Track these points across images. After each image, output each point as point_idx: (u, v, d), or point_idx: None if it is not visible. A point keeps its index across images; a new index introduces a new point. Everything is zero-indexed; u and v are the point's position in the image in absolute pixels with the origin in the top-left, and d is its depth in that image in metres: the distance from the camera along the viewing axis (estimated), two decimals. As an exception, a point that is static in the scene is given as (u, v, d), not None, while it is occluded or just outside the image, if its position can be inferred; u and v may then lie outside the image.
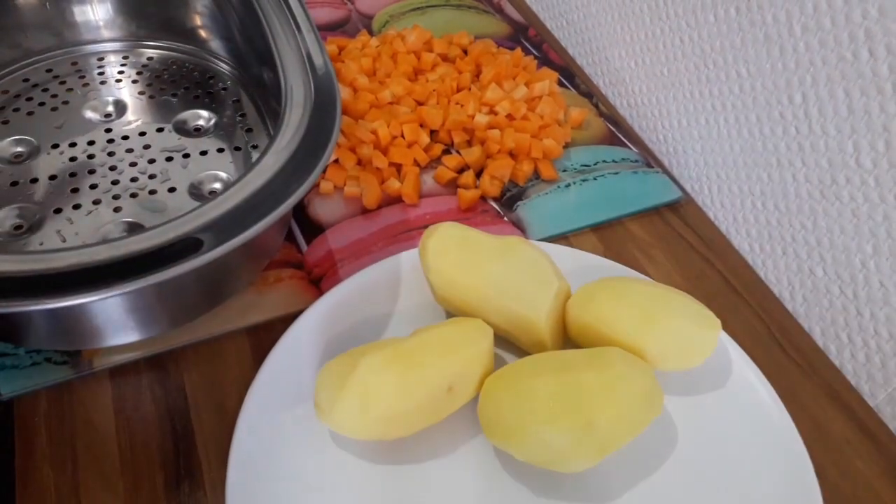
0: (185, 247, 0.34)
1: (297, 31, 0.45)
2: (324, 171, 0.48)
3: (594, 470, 0.35)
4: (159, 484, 0.35)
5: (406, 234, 0.47)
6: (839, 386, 0.43)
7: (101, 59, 0.54)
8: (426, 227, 0.40)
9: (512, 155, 0.52)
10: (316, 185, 0.49)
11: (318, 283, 0.44)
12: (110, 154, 0.48)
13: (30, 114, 0.50)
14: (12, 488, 0.35)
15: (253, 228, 0.35)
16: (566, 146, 0.54)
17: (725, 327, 0.39)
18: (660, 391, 0.35)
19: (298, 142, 0.39)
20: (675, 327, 0.37)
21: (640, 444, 0.35)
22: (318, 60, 0.43)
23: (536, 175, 0.52)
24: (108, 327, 0.37)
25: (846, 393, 0.42)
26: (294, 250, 0.46)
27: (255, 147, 0.49)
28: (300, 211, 0.48)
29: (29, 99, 0.51)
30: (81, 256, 0.33)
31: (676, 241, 0.49)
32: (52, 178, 0.46)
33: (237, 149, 0.49)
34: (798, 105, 0.43)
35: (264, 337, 0.41)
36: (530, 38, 0.65)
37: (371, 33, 0.64)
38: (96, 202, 0.45)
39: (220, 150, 0.49)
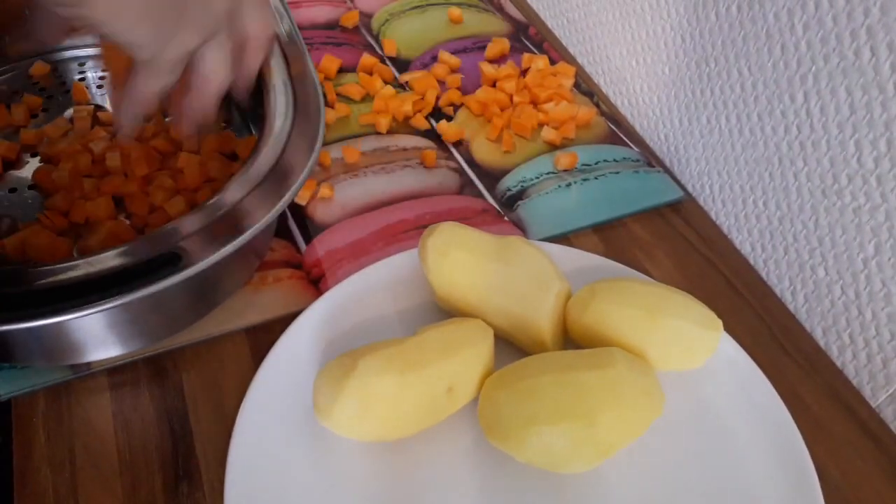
0: (165, 261, 0.34)
1: (279, 36, 0.44)
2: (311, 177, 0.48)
3: (595, 471, 0.35)
4: (158, 485, 0.35)
5: (405, 234, 0.47)
6: (840, 386, 0.42)
7: (82, 64, 0.54)
8: (426, 226, 0.40)
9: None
10: (313, 187, 0.49)
11: (317, 283, 0.44)
12: (91, 163, 0.47)
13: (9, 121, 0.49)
14: (10, 488, 0.35)
15: (233, 243, 0.35)
16: (567, 145, 0.54)
17: (727, 328, 0.39)
18: (661, 392, 0.35)
19: (281, 148, 0.39)
20: (676, 328, 0.37)
21: (641, 445, 0.35)
22: (298, 68, 0.43)
23: (538, 174, 0.52)
24: (88, 343, 0.37)
25: (847, 393, 0.42)
26: (293, 250, 0.46)
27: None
28: (298, 211, 0.48)
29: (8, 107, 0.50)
30: (58, 272, 0.33)
31: (678, 241, 0.49)
32: (31, 187, 0.45)
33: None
34: (800, 104, 0.42)
35: (263, 337, 0.41)
36: (531, 37, 0.65)
37: (371, 32, 0.63)
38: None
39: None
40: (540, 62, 0.59)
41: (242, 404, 0.36)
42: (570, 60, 0.64)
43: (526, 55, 0.60)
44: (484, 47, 0.62)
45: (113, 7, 0.29)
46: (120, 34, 0.31)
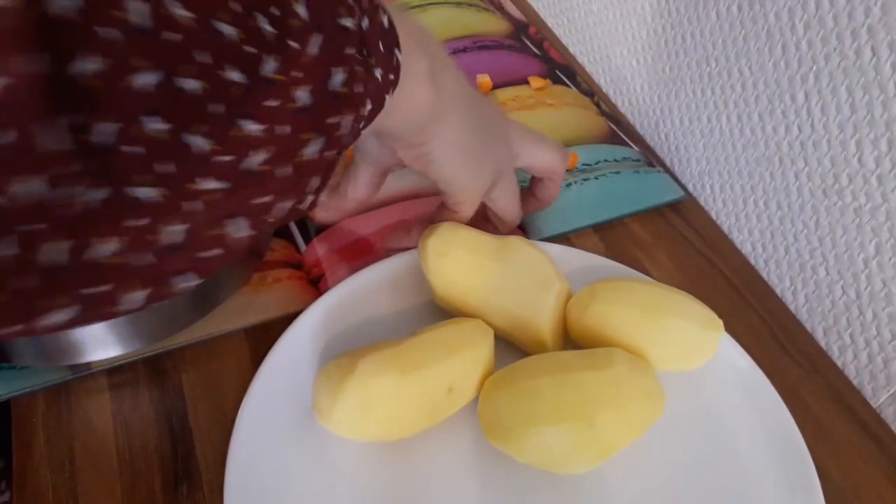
0: None
1: None
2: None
3: (595, 472, 0.35)
4: (157, 485, 0.35)
5: (406, 234, 0.47)
6: (841, 387, 0.42)
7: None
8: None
9: None
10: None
11: (317, 283, 0.44)
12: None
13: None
14: (10, 489, 0.35)
15: None
16: (567, 144, 0.54)
17: (727, 328, 0.39)
18: (662, 392, 0.35)
19: None
20: (676, 328, 0.37)
21: (641, 445, 0.35)
22: None
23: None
24: (88, 343, 0.37)
25: (848, 394, 0.42)
26: (292, 250, 0.45)
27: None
28: (299, 210, 0.48)
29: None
30: None
31: (678, 241, 0.49)
32: None
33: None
34: (800, 104, 0.42)
35: (263, 337, 0.41)
36: (531, 36, 0.65)
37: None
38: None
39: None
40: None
41: (242, 404, 0.36)
42: (571, 60, 0.64)
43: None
44: (484, 47, 0.62)
45: (444, 145, 0.34)
46: (444, 171, 0.36)
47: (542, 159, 0.41)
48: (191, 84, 0.20)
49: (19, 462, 0.36)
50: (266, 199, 0.23)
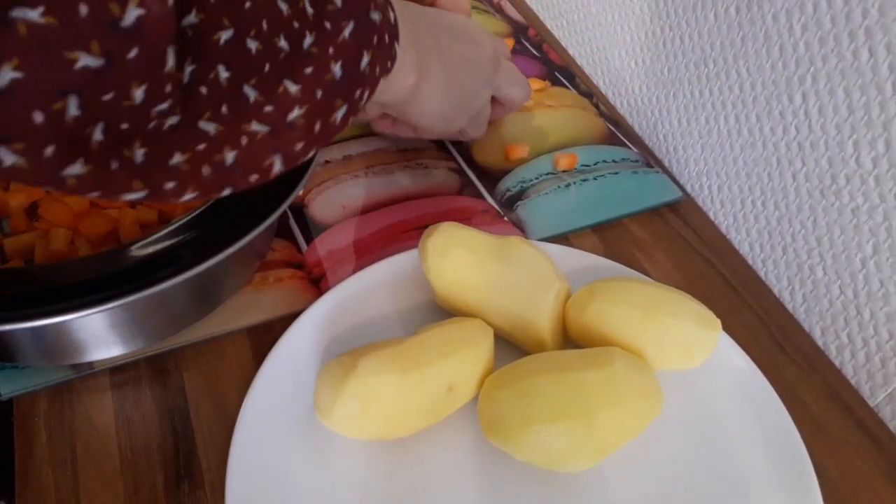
0: (167, 261, 0.34)
1: None
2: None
3: (593, 470, 0.35)
4: (159, 484, 0.35)
5: (406, 234, 0.47)
6: (839, 386, 0.43)
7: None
8: (426, 227, 0.40)
9: None
10: (317, 186, 0.49)
11: (318, 283, 0.44)
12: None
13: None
14: (12, 488, 0.35)
15: (235, 243, 0.35)
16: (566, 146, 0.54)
17: (725, 327, 0.39)
18: (660, 391, 0.36)
19: None
20: (675, 327, 0.37)
21: (639, 444, 0.35)
22: None
23: (537, 175, 0.52)
24: (90, 343, 0.37)
25: (846, 393, 0.42)
26: (294, 250, 0.46)
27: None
28: (299, 211, 0.48)
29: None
30: (60, 272, 0.33)
31: (676, 241, 0.49)
32: None
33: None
34: (798, 104, 0.43)
35: (264, 337, 0.41)
36: (530, 38, 0.65)
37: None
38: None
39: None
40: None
41: (243, 403, 0.36)
42: (570, 62, 0.64)
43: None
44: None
45: (423, 113, 0.42)
46: (421, 126, 0.45)
47: (513, 95, 0.49)
48: (253, 45, 0.25)
49: (21, 461, 0.36)
50: (299, 144, 0.29)
